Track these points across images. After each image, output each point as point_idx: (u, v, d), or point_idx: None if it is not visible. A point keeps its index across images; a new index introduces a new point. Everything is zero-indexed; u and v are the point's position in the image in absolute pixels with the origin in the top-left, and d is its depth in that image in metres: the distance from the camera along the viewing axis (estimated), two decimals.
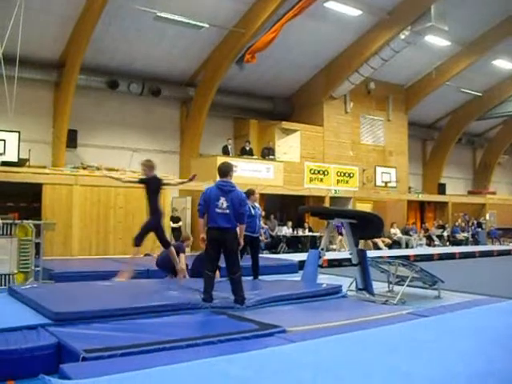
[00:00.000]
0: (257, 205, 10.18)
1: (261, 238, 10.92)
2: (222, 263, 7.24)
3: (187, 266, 9.86)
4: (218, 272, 7.86)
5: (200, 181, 17.00)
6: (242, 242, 7.19)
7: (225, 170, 7.25)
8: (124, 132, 19.07)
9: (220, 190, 7.04)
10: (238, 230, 7.09)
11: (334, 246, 19.53)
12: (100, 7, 14.77)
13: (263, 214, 19.16)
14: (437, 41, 20.61)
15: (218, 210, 6.93)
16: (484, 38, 21.53)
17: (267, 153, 20.13)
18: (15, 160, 14.61)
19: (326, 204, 20.10)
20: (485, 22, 20.78)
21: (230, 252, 7.04)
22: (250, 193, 9.88)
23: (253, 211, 9.70)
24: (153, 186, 9.32)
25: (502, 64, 23.79)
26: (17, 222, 9.65)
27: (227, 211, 6.93)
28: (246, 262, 9.62)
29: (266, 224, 18.90)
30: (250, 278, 9.59)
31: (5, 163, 14.28)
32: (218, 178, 7.29)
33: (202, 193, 7.30)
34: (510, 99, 26.61)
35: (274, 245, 18.95)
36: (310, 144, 21.57)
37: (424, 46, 20.80)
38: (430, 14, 18.33)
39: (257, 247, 10.12)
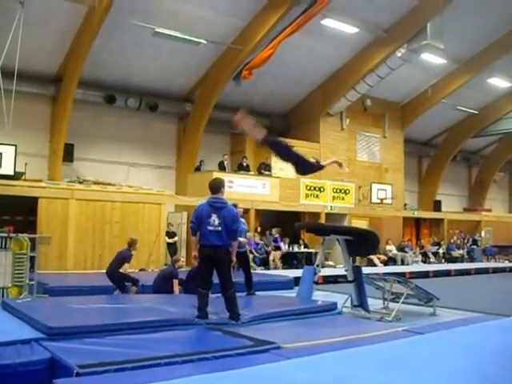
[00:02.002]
0: (242, 220, 10.15)
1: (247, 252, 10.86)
2: (214, 280, 7.20)
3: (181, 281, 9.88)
4: None
5: (196, 196, 17.05)
6: (234, 259, 7.13)
7: (216, 186, 7.14)
8: (121, 146, 19.08)
9: (211, 206, 6.94)
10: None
11: (331, 263, 19.49)
12: (99, 22, 14.85)
13: (259, 229, 19.24)
14: (433, 59, 20.74)
15: (210, 228, 6.82)
16: (480, 56, 21.69)
17: (264, 168, 20.14)
18: (11, 173, 14.60)
19: (322, 220, 20.10)
20: (480, 40, 20.96)
21: (222, 269, 6.96)
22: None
23: None
24: None
25: (497, 82, 23.96)
26: (12, 235, 9.61)
27: (219, 228, 6.83)
28: (239, 278, 9.61)
29: (261, 240, 18.89)
30: (244, 293, 9.58)
31: (1, 176, 14.27)
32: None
33: (193, 210, 7.23)
34: (505, 117, 26.78)
35: (269, 261, 18.89)
36: None
37: (420, 63, 20.93)
38: (426, 32, 18.49)
39: (245, 262, 10.10)
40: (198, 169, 19.63)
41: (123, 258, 9.82)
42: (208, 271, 6.98)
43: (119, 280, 9.79)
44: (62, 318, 6.31)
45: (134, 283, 9.92)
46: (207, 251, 6.87)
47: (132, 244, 10.06)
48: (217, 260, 6.88)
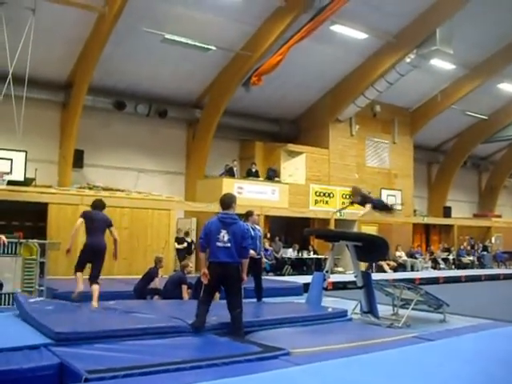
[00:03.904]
0: (257, 226, 10.12)
1: (263, 259, 10.83)
2: None
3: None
4: (217, 294, 7.72)
5: (205, 202, 17.08)
6: (245, 278, 6.92)
7: (228, 202, 6.89)
8: (130, 153, 19.12)
9: (221, 222, 6.71)
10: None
11: (340, 269, 19.45)
12: (108, 29, 14.94)
13: (268, 235, 19.22)
14: (442, 64, 20.70)
15: (219, 244, 6.58)
16: (489, 61, 21.61)
17: (273, 174, 20.16)
18: (21, 179, 14.66)
19: (331, 226, 20.05)
20: (490, 45, 20.89)
21: (231, 288, 6.72)
22: (248, 214, 9.85)
23: (252, 233, 9.64)
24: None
25: (507, 87, 23.84)
26: (22, 241, 9.68)
27: (228, 245, 6.58)
28: (249, 283, 9.58)
29: (270, 246, 18.87)
30: (254, 300, 9.56)
31: (11, 182, 14.33)
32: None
33: (203, 226, 7.04)
34: None
35: (278, 267, 18.89)
36: (316, 166, 21.59)
37: (429, 69, 20.89)
38: (435, 38, 18.45)
39: (259, 269, 10.07)
40: (228, 172, 19.44)
41: (151, 275, 10.34)
42: (215, 290, 6.91)
43: (146, 294, 10.16)
44: (70, 324, 6.32)
45: (159, 294, 10.18)
46: (216, 269, 6.61)
47: (158, 262, 10.52)
48: (226, 278, 6.66)
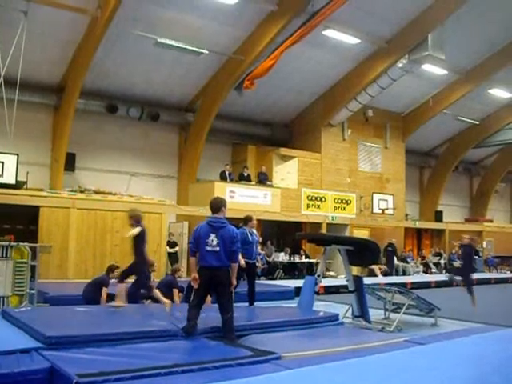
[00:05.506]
0: (254, 231, 10.14)
1: (257, 264, 10.80)
2: None
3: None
4: (209, 298, 7.69)
5: (197, 206, 17.05)
6: (234, 282, 6.82)
7: (217, 206, 6.84)
8: (122, 156, 19.10)
9: (210, 226, 6.67)
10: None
11: (332, 273, 19.46)
12: (101, 32, 14.91)
13: (260, 240, 19.18)
14: (434, 69, 20.81)
15: (208, 248, 6.54)
16: (481, 67, 21.74)
17: (263, 177, 20.11)
18: (13, 182, 14.59)
19: (323, 231, 20.06)
20: (481, 51, 21.01)
21: (221, 292, 6.69)
22: (247, 219, 9.86)
23: (250, 237, 9.65)
24: None
25: (499, 93, 23.99)
26: (13, 244, 9.62)
27: (217, 249, 6.54)
28: (242, 287, 9.58)
29: (262, 250, 18.83)
30: (246, 304, 9.56)
31: (2, 185, 14.27)
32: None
33: (193, 230, 6.99)
34: (506, 128, 26.80)
35: (270, 271, 18.88)
36: (308, 170, 21.62)
37: (421, 74, 20.99)
38: (427, 43, 18.53)
39: (253, 273, 10.07)
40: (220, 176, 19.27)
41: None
42: (205, 294, 6.86)
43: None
44: (61, 328, 6.29)
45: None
46: (206, 273, 6.59)
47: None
48: (216, 282, 6.62)
